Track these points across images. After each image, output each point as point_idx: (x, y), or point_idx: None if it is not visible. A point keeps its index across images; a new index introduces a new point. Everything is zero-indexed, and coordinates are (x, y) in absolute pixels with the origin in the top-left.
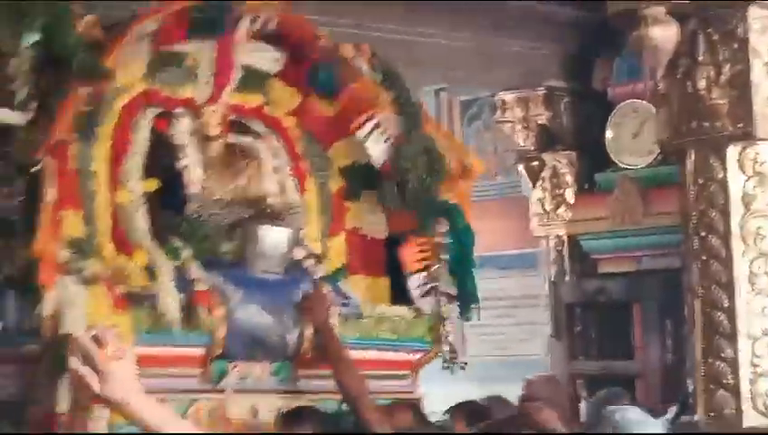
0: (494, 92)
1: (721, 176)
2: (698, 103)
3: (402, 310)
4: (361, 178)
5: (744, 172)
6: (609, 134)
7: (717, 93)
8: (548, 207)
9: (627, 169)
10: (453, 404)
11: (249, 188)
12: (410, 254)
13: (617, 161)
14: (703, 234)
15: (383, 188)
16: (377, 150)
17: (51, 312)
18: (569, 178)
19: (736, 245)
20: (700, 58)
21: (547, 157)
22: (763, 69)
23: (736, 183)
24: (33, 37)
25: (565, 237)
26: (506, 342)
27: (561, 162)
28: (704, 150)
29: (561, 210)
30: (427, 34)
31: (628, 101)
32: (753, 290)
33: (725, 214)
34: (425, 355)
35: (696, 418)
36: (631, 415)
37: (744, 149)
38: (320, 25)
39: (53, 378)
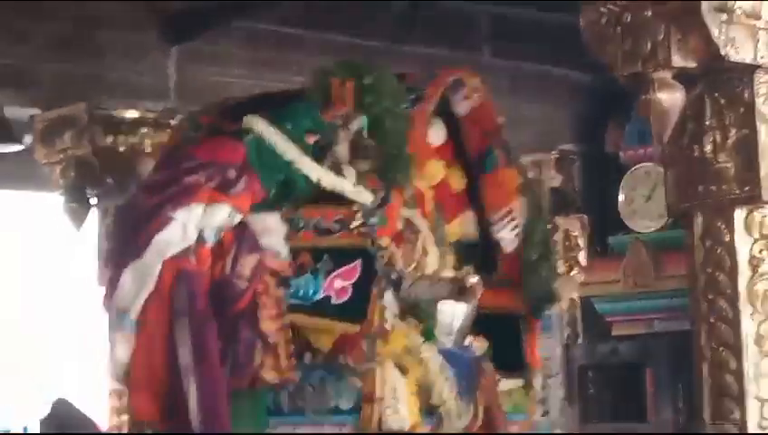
0: None
1: (728, 239)
2: (705, 167)
3: (514, 382)
4: (464, 253)
5: (750, 235)
6: (621, 197)
7: (724, 157)
8: (561, 270)
9: (639, 232)
10: None
11: (422, 264)
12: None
13: (629, 225)
14: (711, 296)
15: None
16: (508, 238)
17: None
18: (581, 241)
19: (744, 307)
20: (707, 122)
21: (559, 220)
22: None
23: (743, 246)
24: None
25: (578, 300)
26: None
27: (574, 225)
28: (710, 214)
29: (574, 273)
30: None
31: (640, 165)
32: (760, 352)
33: (733, 277)
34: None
35: None
36: None
37: (751, 212)
38: None
39: None
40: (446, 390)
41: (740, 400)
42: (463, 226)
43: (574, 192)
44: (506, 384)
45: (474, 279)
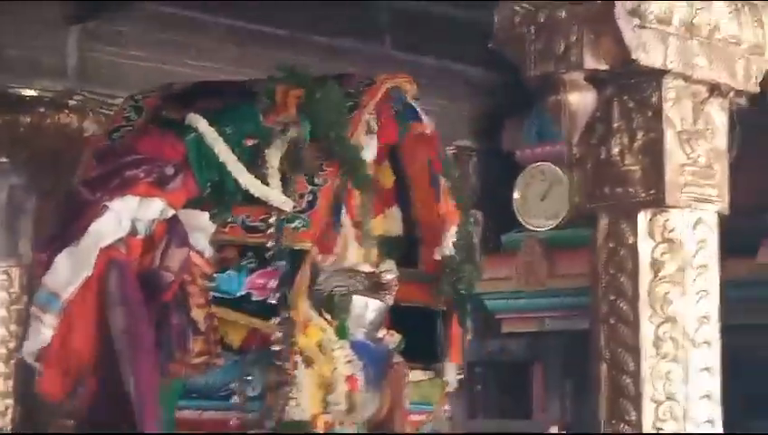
0: None
1: (631, 241)
2: (612, 169)
3: (424, 374)
4: (387, 248)
5: (653, 238)
6: (516, 195)
7: (630, 160)
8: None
9: (533, 230)
10: None
11: (341, 258)
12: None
13: (523, 223)
14: (611, 298)
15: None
16: (447, 245)
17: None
18: (474, 238)
19: (644, 309)
20: (615, 124)
21: None
22: (676, 137)
23: (646, 249)
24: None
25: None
26: None
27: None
28: (615, 215)
29: None
30: None
31: (536, 164)
32: (658, 354)
33: (634, 279)
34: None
35: None
36: None
37: (655, 215)
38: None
39: None
40: (345, 388)
41: (636, 401)
42: (387, 221)
43: (469, 189)
44: (416, 376)
45: (390, 275)
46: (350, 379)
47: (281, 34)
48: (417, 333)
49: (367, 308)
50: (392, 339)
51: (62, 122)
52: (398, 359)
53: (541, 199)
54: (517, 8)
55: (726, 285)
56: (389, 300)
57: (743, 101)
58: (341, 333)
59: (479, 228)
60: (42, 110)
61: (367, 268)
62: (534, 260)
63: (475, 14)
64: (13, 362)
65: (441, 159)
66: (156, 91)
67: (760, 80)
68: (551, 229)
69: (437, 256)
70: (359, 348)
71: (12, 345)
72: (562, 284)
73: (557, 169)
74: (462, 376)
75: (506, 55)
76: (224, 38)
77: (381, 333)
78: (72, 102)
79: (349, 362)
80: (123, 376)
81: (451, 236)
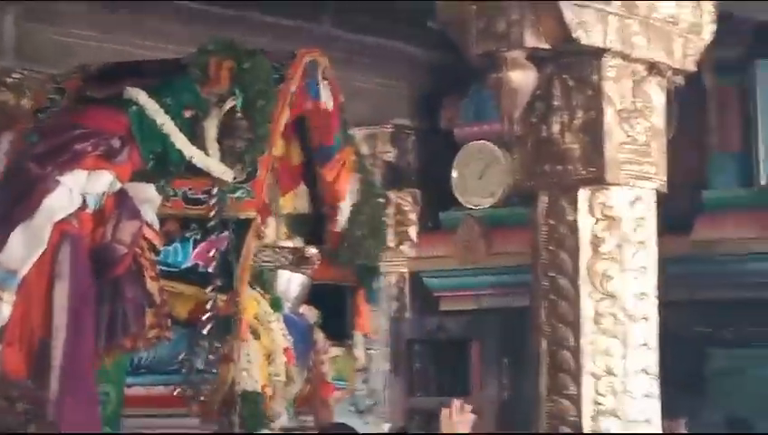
0: None
1: (571, 218)
2: (552, 147)
3: (338, 350)
4: (297, 226)
5: (593, 215)
6: (454, 174)
7: (570, 138)
8: (391, 243)
9: (471, 208)
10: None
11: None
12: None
13: (461, 201)
14: (552, 274)
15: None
16: (342, 217)
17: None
18: (412, 216)
19: (584, 285)
20: (555, 103)
21: (392, 194)
22: (615, 116)
23: (586, 226)
24: None
25: (407, 274)
26: None
27: (406, 200)
28: (555, 193)
29: (404, 247)
30: None
31: (473, 142)
32: (598, 330)
33: (574, 256)
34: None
35: None
36: None
37: (594, 192)
38: None
39: None
40: (284, 359)
41: (576, 375)
42: (296, 199)
43: (408, 167)
44: (332, 352)
45: (313, 250)
46: (287, 351)
47: (227, 14)
48: (329, 310)
49: (290, 283)
50: (312, 314)
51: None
52: (318, 333)
53: (479, 178)
54: None
55: (663, 262)
56: (311, 275)
57: (680, 79)
58: (276, 305)
59: (418, 207)
60: None
61: (290, 244)
62: (472, 238)
63: None
64: None
65: (341, 133)
66: (75, 72)
67: (697, 59)
68: (488, 208)
69: (336, 229)
70: (287, 322)
71: None
72: (500, 261)
73: (495, 147)
74: (373, 351)
75: (448, 34)
76: (169, 17)
77: (303, 308)
78: (9, 80)
79: (284, 334)
80: (53, 350)
81: (346, 208)
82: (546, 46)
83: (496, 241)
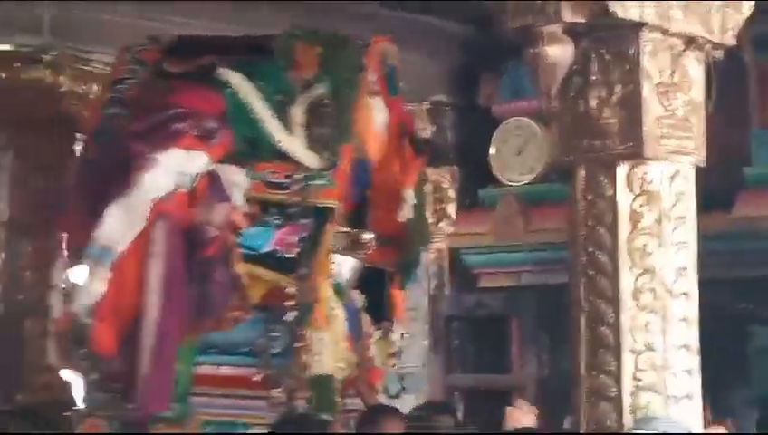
0: None
1: (610, 194)
2: (589, 122)
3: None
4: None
5: (632, 191)
6: (492, 150)
7: (608, 113)
8: (430, 220)
9: (509, 185)
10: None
11: None
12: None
13: (499, 178)
14: (590, 250)
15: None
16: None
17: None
18: (451, 193)
19: (623, 261)
20: (593, 78)
21: (430, 171)
22: (653, 90)
23: (624, 201)
24: None
25: (446, 252)
26: None
27: (444, 177)
28: (593, 168)
29: (443, 224)
30: None
31: (512, 119)
32: (637, 306)
33: (613, 231)
34: None
35: None
36: None
37: (633, 168)
38: None
39: None
40: (346, 345)
41: (616, 352)
42: None
43: (446, 144)
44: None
45: (369, 235)
46: (348, 338)
47: None
48: (370, 294)
49: (342, 267)
50: (360, 298)
51: (37, 77)
52: (365, 317)
53: (517, 154)
54: None
55: (702, 239)
56: (363, 259)
57: (719, 53)
58: (339, 293)
59: (456, 184)
60: (17, 65)
61: (344, 228)
62: (511, 215)
63: None
64: None
65: (411, 121)
66: (151, 44)
67: (736, 33)
68: (527, 184)
69: (400, 219)
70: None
71: None
72: (539, 238)
73: (533, 123)
74: (407, 335)
75: (486, 8)
76: None
77: (352, 293)
78: (47, 58)
79: (345, 321)
80: (144, 328)
81: (411, 198)
82: (583, 20)
83: (535, 218)
